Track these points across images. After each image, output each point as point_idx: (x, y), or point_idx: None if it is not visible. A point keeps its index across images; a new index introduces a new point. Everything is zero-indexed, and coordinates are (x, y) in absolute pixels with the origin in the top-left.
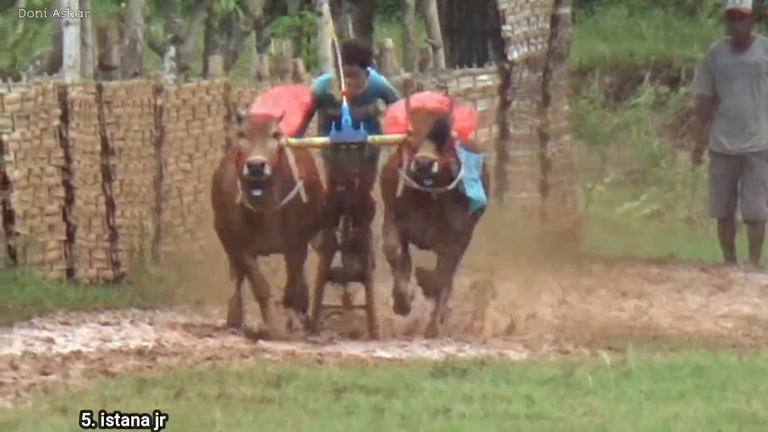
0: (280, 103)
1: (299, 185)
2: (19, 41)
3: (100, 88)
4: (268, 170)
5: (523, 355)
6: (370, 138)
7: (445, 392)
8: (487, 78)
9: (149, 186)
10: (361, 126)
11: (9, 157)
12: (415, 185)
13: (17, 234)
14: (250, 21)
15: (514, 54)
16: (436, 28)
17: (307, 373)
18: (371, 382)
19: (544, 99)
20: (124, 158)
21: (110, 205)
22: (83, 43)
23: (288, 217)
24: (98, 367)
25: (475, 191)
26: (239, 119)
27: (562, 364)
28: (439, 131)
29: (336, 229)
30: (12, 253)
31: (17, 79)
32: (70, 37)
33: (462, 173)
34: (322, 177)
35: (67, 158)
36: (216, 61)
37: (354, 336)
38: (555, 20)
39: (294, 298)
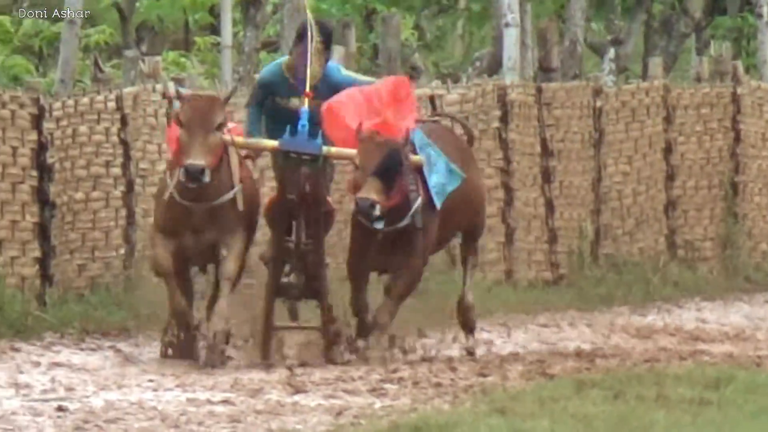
0: None
1: (237, 188)
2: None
3: (539, 90)
4: (207, 176)
5: None
6: (325, 149)
7: None
8: None
9: (588, 188)
10: (319, 134)
11: None
12: (363, 220)
13: None
14: (690, 22)
15: None
16: None
17: (745, 375)
18: None
19: None
20: (564, 160)
21: (549, 206)
22: (523, 45)
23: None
24: (536, 368)
25: (438, 177)
26: (180, 99)
27: None
28: (388, 166)
29: (287, 239)
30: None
31: (457, 80)
32: (510, 38)
33: (418, 204)
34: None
35: (507, 159)
36: (656, 63)
37: None
38: None
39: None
